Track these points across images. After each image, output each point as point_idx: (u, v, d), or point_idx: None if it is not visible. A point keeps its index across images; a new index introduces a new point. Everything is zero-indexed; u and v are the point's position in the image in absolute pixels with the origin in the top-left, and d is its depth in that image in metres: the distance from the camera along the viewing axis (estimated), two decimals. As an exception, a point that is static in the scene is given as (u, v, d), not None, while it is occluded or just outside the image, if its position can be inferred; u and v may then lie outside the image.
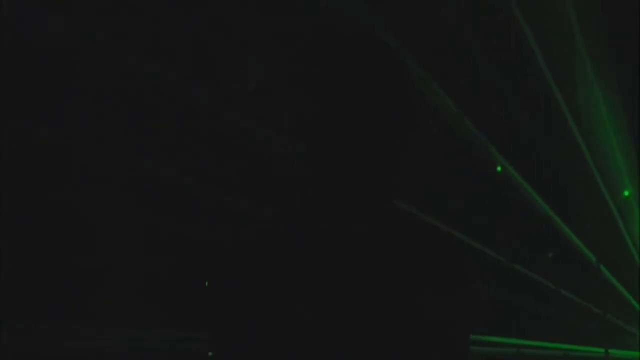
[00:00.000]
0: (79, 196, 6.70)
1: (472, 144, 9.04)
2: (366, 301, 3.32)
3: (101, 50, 6.71)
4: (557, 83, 9.14)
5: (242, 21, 7.31)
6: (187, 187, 7.18)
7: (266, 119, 7.47)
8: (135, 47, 6.88)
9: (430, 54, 8.13)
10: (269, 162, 7.49)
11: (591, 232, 10.25)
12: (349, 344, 3.20)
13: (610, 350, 10.28)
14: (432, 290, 3.29)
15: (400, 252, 3.25)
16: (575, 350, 10.25)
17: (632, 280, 10.40)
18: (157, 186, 7.11)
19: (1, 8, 6.28)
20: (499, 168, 9.37)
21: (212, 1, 7.19)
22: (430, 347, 3.30)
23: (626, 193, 10.21)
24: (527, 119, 9.28)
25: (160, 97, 7.17)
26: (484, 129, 9.06)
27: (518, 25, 8.47)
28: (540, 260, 10.00)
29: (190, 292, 6.64)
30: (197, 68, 7.29)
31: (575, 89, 9.25)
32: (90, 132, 6.89)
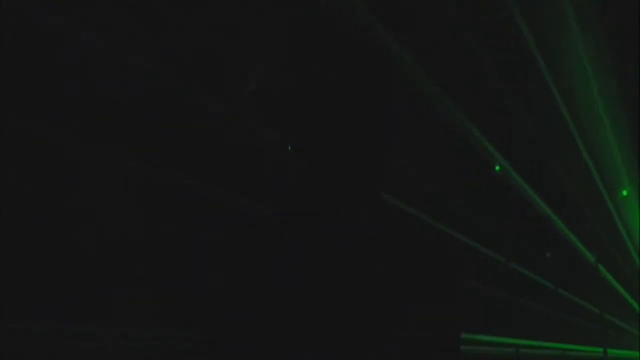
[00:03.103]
0: (79, 197, 6.71)
1: (472, 144, 9.06)
2: (357, 300, 3.33)
3: (101, 50, 6.71)
4: (556, 84, 9.16)
5: (242, 21, 7.31)
6: (186, 187, 7.19)
7: (265, 118, 7.48)
8: (135, 47, 6.88)
9: (431, 54, 8.14)
10: (267, 161, 7.50)
11: (590, 231, 10.28)
12: (341, 341, 3.22)
13: (609, 350, 10.31)
14: (423, 289, 3.31)
15: (392, 251, 3.27)
16: (573, 350, 10.28)
17: (632, 279, 10.43)
18: (156, 186, 7.12)
19: (1, 6, 6.28)
20: (497, 167, 9.40)
21: (212, 1, 7.19)
22: (422, 344, 3.31)
23: (625, 192, 10.24)
24: (527, 120, 9.31)
25: (159, 96, 7.17)
26: (484, 129, 9.08)
27: (518, 26, 8.49)
28: (540, 260, 10.03)
29: (190, 293, 6.64)
30: (197, 68, 7.30)
31: (574, 89, 9.28)
32: (89, 132, 6.89)
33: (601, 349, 10.31)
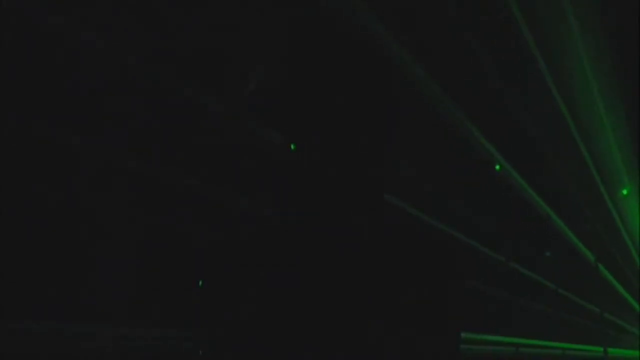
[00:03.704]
0: (79, 197, 6.70)
1: (472, 144, 9.06)
2: (357, 299, 3.33)
3: (101, 50, 6.70)
4: (557, 83, 9.16)
5: (242, 21, 7.31)
6: (187, 187, 7.19)
7: (265, 118, 7.47)
8: (135, 47, 6.87)
9: (431, 54, 8.14)
10: (267, 161, 7.49)
11: (590, 231, 10.28)
12: (340, 341, 3.22)
13: (609, 350, 10.31)
14: (422, 288, 3.31)
15: (392, 250, 3.27)
16: (573, 350, 10.28)
17: (632, 279, 10.43)
18: (156, 186, 7.12)
19: (1, 6, 6.28)
20: (497, 167, 9.40)
21: (212, 1, 7.19)
22: (422, 344, 3.31)
23: (625, 192, 10.24)
24: (527, 119, 9.31)
25: (160, 96, 7.17)
26: (484, 129, 9.08)
27: (518, 26, 8.48)
28: (540, 260, 10.03)
29: (191, 292, 6.64)
30: (197, 68, 7.29)
31: (574, 89, 9.27)
32: (89, 132, 6.89)
33: (601, 349, 10.31)
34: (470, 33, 8.20)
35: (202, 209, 7.22)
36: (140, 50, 6.93)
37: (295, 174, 6.15)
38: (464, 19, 8.11)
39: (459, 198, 8.86)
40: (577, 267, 10.33)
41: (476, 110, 8.91)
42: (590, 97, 9.33)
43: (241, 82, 7.52)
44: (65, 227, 6.65)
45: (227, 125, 7.40)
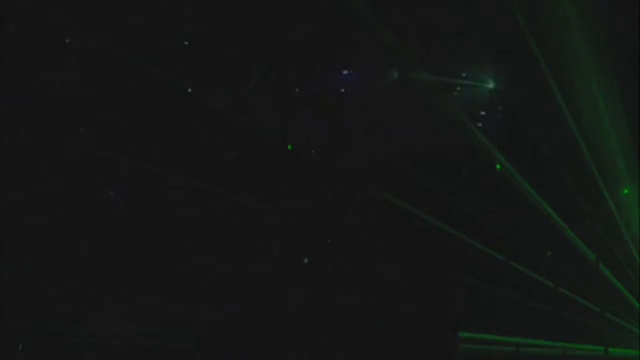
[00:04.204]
0: (79, 197, 6.71)
1: (473, 145, 9.06)
2: (357, 299, 3.34)
3: (101, 50, 6.71)
4: (558, 84, 9.16)
5: (242, 22, 7.31)
6: (187, 187, 7.19)
7: (264, 117, 7.48)
8: (135, 47, 6.88)
9: (432, 54, 8.14)
10: (268, 161, 7.49)
11: (591, 230, 10.27)
12: (340, 340, 3.23)
13: (610, 349, 10.30)
14: (423, 288, 3.32)
15: (392, 250, 3.28)
16: (574, 349, 10.27)
17: (632, 278, 10.42)
18: (157, 186, 7.12)
19: (2, 7, 6.29)
20: (498, 166, 9.40)
21: (212, 1, 7.20)
22: (421, 343, 3.33)
23: (626, 191, 10.24)
24: (528, 120, 9.31)
25: (159, 95, 7.17)
26: (486, 129, 9.08)
27: (519, 27, 8.48)
28: (540, 259, 10.02)
29: (191, 292, 6.65)
30: (198, 68, 7.29)
31: (575, 88, 9.27)
32: (89, 132, 6.90)
33: (602, 348, 10.30)
34: (473, 34, 8.22)
35: (203, 208, 7.23)
36: (141, 50, 6.94)
37: (296, 174, 6.17)
38: (466, 19, 8.13)
39: (460, 198, 8.85)
40: (578, 266, 10.32)
41: (476, 110, 8.92)
42: (591, 96, 9.33)
43: (242, 81, 7.53)
44: (66, 227, 6.66)
45: (227, 124, 7.41)
